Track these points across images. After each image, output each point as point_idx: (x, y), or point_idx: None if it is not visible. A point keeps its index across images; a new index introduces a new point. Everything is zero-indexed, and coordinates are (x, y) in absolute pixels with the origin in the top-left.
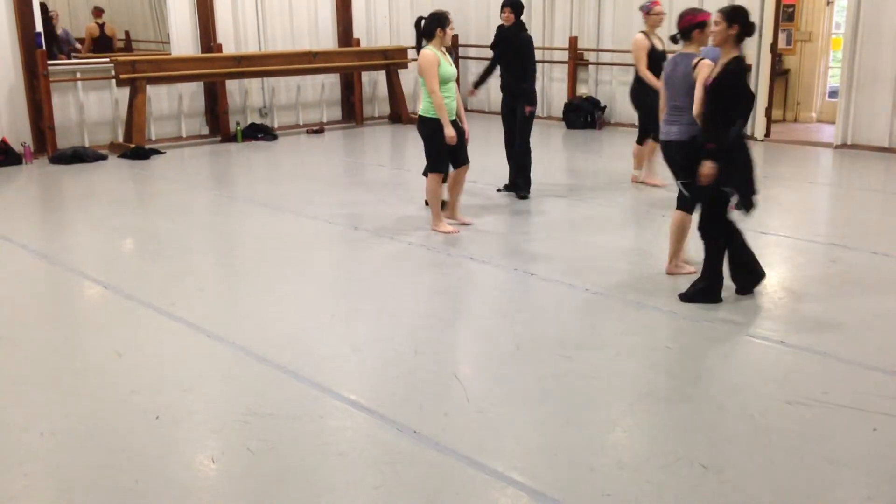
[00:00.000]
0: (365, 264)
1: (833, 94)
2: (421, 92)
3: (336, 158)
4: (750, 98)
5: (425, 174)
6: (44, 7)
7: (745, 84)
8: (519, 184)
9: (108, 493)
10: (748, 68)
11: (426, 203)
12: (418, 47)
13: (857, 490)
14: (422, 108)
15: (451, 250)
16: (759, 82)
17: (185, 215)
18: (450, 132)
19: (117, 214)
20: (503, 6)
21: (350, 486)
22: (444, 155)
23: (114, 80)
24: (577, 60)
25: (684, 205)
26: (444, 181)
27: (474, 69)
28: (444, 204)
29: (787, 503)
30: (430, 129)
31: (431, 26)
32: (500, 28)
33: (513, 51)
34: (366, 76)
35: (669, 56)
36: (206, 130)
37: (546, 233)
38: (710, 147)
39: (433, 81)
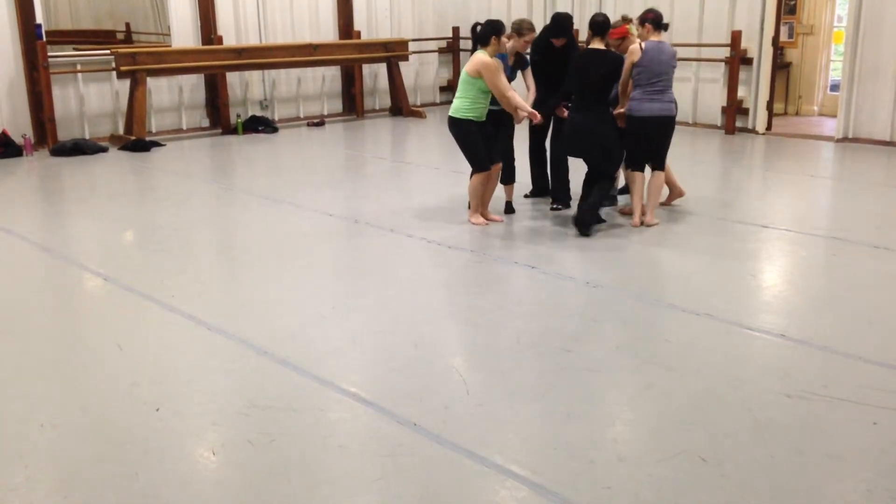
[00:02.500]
0: (365, 257)
1: (835, 87)
2: (459, 91)
3: (337, 151)
4: None
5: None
6: None
7: None
8: (559, 194)
9: (108, 486)
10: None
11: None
12: (473, 51)
13: (856, 484)
14: (453, 107)
15: (450, 243)
16: (761, 75)
17: (185, 208)
18: (530, 112)
19: (118, 206)
20: (557, 35)
21: (350, 479)
22: (483, 152)
23: (114, 72)
24: None
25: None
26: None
27: None
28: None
29: (787, 497)
30: (462, 129)
31: (487, 33)
32: (550, 46)
33: (565, 65)
34: (366, 69)
35: (648, 42)
36: (206, 123)
37: (546, 227)
38: None
39: (502, 83)
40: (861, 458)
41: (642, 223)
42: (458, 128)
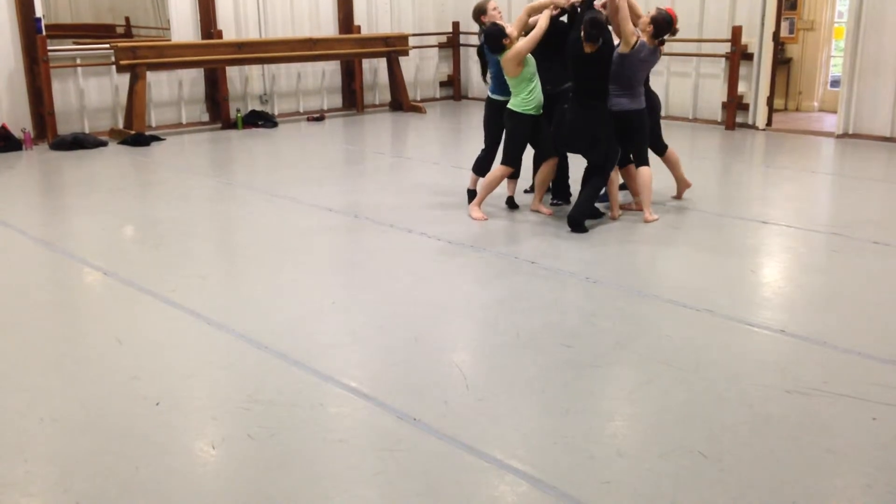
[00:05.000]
0: (365, 252)
1: (835, 83)
2: (512, 91)
3: (336, 146)
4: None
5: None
6: None
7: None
8: (558, 190)
9: (108, 480)
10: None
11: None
12: (485, 73)
13: (855, 479)
14: (511, 102)
15: (450, 238)
16: (762, 71)
17: (185, 202)
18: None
19: (117, 201)
20: None
21: (350, 473)
22: (521, 152)
23: (114, 67)
24: None
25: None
26: (511, 176)
27: (476, 57)
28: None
29: (786, 492)
30: (516, 123)
31: (496, 43)
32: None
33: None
34: (366, 63)
35: (644, 45)
36: (206, 117)
37: (546, 222)
38: None
39: (526, 46)
40: (860, 453)
41: (615, 218)
42: (513, 121)
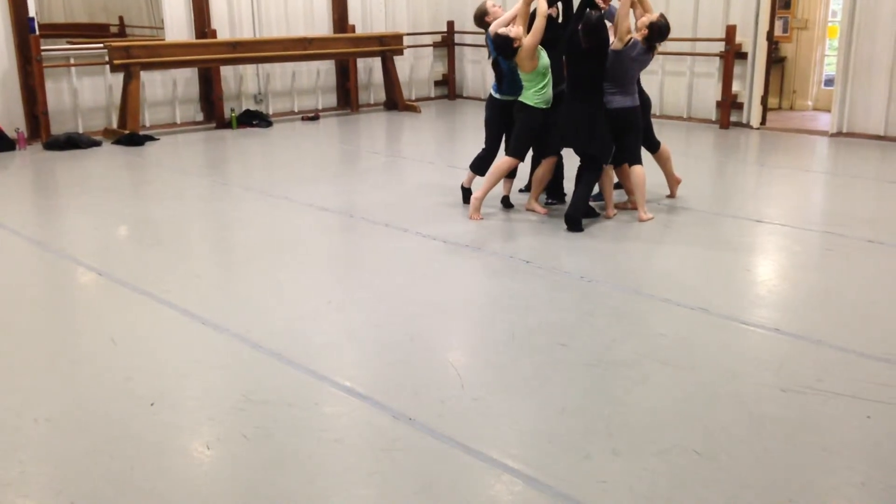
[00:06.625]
0: (360, 252)
1: (829, 82)
2: (525, 84)
3: (331, 145)
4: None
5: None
6: None
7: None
8: (553, 189)
9: (102, 480)
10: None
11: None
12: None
13: (850, 477)
14: (523, 95)
15: (446, 238)
16: (756, 70)
17: (179, 202)
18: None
19: (111, 201)
20: None
21: (345, 473)
22: (529, 145)
23: (108, 66)
24: None
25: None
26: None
27: (471, 56)
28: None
29: (781, 490)
30: (527, 116)
31: (507, 50)
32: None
33: (565, 28)
34: (361, 63)
35: (638, 44)
36: (200, 117)
37: (541, 221)
38: None
39: (535, 39)
40: (855, 451)
41: (611, 216)
42: (524, 113)
